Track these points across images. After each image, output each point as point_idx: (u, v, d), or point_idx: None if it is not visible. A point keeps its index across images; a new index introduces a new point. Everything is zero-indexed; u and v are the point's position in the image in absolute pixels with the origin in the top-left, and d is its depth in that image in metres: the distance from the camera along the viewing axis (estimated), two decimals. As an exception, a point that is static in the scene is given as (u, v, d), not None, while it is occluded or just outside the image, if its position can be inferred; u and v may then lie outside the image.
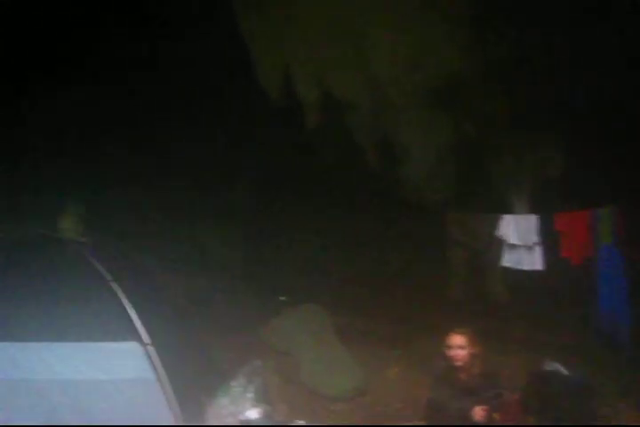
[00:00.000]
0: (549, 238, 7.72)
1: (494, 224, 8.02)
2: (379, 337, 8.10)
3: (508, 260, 8.00)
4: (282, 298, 8.96)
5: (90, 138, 10.19)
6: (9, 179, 9.53)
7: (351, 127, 8.87)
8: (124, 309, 5.12)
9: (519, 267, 7.92)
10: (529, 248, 7.83)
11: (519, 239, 7.85)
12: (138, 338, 5.04)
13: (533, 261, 7.85)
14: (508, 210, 8.58)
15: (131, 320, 5.08)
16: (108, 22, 10.18)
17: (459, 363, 5.51)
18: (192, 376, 5.53)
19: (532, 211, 8.39)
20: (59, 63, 10.18)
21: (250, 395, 5.59)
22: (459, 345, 5.52)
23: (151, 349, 5.01)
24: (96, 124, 10.30)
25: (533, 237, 7.78)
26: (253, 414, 5.42)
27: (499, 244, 8.07)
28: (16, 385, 4.89)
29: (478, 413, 5.29)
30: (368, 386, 7.12)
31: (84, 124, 10.30)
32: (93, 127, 10.28)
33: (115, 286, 5.23)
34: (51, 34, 10.03)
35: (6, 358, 4.96)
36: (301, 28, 8.37)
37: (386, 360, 7.58)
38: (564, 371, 6.14)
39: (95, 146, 10.10)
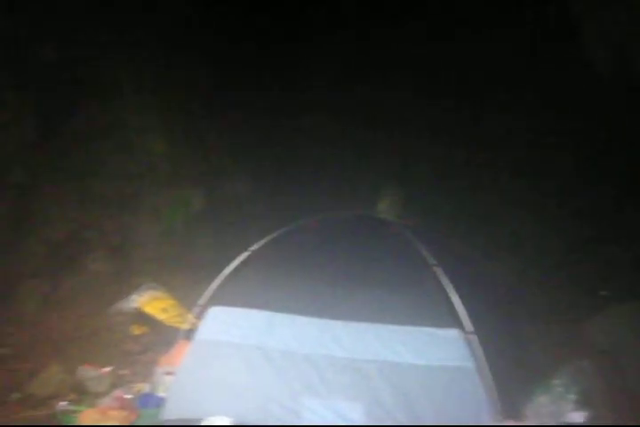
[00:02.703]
0: None
1: None
2: None
3: None
4: (602, 293, 8.33)
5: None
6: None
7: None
8: (447, 294, 5.03)
9: None
10: None
11: None
12: (459, 325, 4.93)
13: None
14: None
15: (453, 307, 4.98)
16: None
17: None
18: (510, 370, 5.30)
19: None
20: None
21: (572, 396, 5.23)
22: None
23: (473, 338, 4.88)
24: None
25: None
26: (578, 417, 5.07)
27: None
28: (337, 362, 5.03)
29: None
30: None
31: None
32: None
33: (438, 270, 5.16)
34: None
35: (330, 335, 5.13)
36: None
37: None
38: None
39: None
